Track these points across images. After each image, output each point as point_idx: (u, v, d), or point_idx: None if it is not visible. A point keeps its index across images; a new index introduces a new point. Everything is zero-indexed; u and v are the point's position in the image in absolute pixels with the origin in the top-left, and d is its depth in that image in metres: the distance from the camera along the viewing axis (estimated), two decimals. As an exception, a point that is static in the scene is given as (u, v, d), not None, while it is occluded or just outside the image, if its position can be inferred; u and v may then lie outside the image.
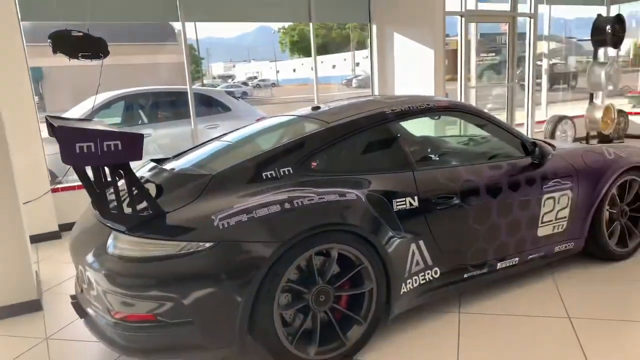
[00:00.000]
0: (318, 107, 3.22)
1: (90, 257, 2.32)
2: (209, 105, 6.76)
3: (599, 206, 3.34)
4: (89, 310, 2.46)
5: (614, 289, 3.12)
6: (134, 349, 2.25)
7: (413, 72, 6.60)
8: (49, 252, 4.54)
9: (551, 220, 3.19)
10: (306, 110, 3.24)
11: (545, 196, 3.12)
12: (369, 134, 2.77)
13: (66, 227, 4.77)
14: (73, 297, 2.70)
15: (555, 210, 3.19)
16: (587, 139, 8.39)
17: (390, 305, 2.59)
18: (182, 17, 5.55)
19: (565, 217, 3.25)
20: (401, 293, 2.62)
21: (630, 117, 9.20)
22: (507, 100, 7.40)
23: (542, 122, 8.28)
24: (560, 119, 8.21)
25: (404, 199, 2.63)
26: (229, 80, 46.02)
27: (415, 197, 2.66)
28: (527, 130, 7.81)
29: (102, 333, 2.36)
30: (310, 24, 6.39)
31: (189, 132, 6.16)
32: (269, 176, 2.46)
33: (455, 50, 7.44)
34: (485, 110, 3.84)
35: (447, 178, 2.83)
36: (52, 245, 4.74)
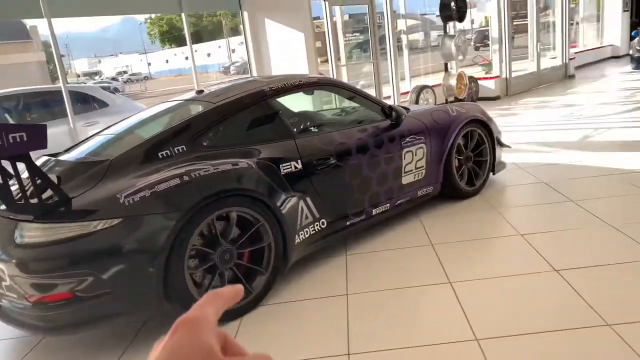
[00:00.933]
0: (202, 91, 3.50)
1: (-3, 251, 2.42)
2: (84, 102, 6.60)
3: (449, 154, 4.04)
4: (2, 302, 2.55)
5: (465, 219, 3.84)
6: (55, 327, 2.42)
7: (287, 55, 7.03)
8: None
9: (412, 170, 3.82)
10: (191, 94, 3.51)
11: (405, 150, 3.73)
12: (252, 110, 3.14)
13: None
14: (-19, 294, 2.75)
15: (414, 161, 3.82)
16: (446, 104, 9.50)
17: (287, 255, 3.01)
18: (46, 14, 5.40)
19: (423, 167, 3.90)
20: (295, 243, 3.05)
21: (480, 82, 10.54)
22: (373, 75, 8.12)
23: (407, 92, 9.21)
24: (422, 88, 9.19)
25: (289, 163, 3.04)
26: (96, 77, 43.15)
27: (299, 161, 3.09)
28: (394, 101, 8.65)
29: (20, 321, 2.48)
30: (183, 14, 6.51)
31: (65, 132, 6.01)
32: (165, 155, 2.73)
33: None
34: (349, 83, 4.36)
35: (324, 142, 3.29)
36: None
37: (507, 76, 10.68)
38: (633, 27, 15.99)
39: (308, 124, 3.91)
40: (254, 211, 2.78)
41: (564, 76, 12.44)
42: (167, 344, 0.36)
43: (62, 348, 2.73)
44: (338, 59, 7.97)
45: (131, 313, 2.48)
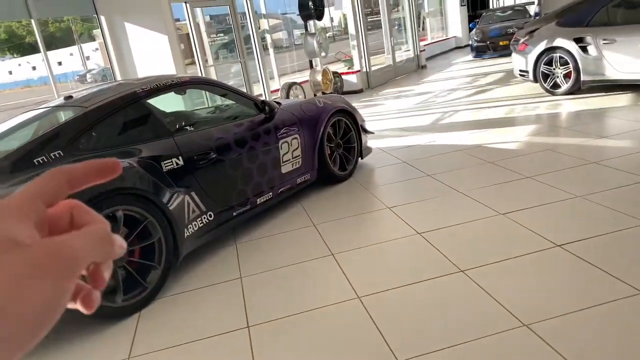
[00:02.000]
0: (71, 97, 3.42)
1: None
2: None
3: (321, 143, 4.39)
4: None
5: (341, 200, 4.23)
6: None
7: (152, 58, 6.92)
8: None
9: (289, 159, 4.10)
10: (59, 100, 3.42)
11: (281, 141, 3.99)
12: (127, 112, 3.17)
13: None
14: None
15: (290, 151, 4.10)
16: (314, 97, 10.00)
17: (178, 249, 3.10)
18: None
19: (299, 156, 4.20)
20: (185, 237, 3.15)
21: (344, 77, 11.24)
22: (242, 74, 8.30)
23: (278, 90, 9.53)
24: (291, 85, 9.57)
25: (170, 160, 3.13)
26: None
27: (180, 157, 3.20)
28: (265, 98, 8.90)
29: None
30: (32, 20, 6.10)
31: None
32: (41, 161, 2.68)
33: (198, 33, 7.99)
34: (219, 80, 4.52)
35: (203, 138, 3.43)
36: None
37: (367, 70, 11.52)
38: (471, 19, 18.14)
39: (184, 122, 3.99)
40: (140, 208, 2.84)
41: (417, 67, 13.73)
42: None
43: None
44: (205, 60, 8.01)
45: None
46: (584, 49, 6.42)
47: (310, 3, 9.58)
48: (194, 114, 4.33)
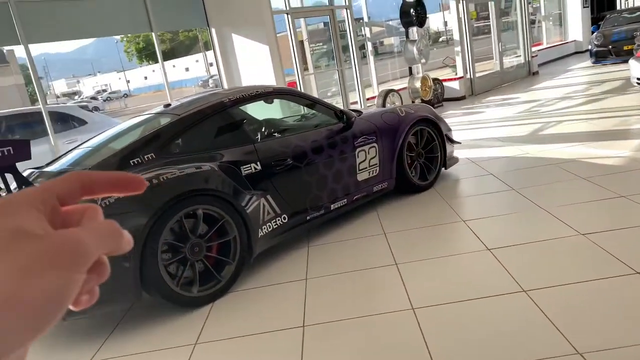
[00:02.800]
0: (169, 105, 3.85)
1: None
2: (64, 121, 6.89)
3: (400, 152, 4.42)
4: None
5: (416, 209, 4.23)
6: None
7: (255, 67, 7.40)
8: None
9: (366, 168, 4.20)
10: (159, 108, 3.86)
11: (358, 149, 4.11)
12: (214, 119, 3.50)
13: None
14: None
15: (367, 159, 4.20)
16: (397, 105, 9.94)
17: (252, 248, 3.35)
18: (23, 40, 5.69)
19: (376, 164, 4.28)
20: (259, 237, 3.40)
21: (446, 84, 11.03)
22: (339, 82, 8.53)
23: (374, 97, 9.63)
24: (388, 92, 9.61)
25: (249, 165, 3.40)
26: (76, 97, 43.11)
27: (258, 163, 3.45)
28: (360, 105, 9.06)
29: None
30: (152, 33, 6.85)
31: (47, 150, 6.29)
32: (136, 162, 3.07)
33: (300, 42, 8.40)
34: (303, 90, 4.74)
35: (281, 145, 3.66)
36: None
37: (471, 76, 11.18)
38: (593, 22, 16.74)
39: (269, 129, 4.28)
40: (218, 208, 3.12)
41: (528, 73, 13.01)
42: None
43: (46, 336, 3.03)
44: (305, 68, 8.37)
45: (113, 301, 2.80)
46: None
47: (412, 10, 9.55)
48: (282, 122, 4.60)
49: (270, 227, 3.49)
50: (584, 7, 17.07)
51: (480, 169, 5.11)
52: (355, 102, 9.06)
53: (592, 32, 14.30)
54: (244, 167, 3.37)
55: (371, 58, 10.30)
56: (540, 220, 3.55)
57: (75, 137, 6.80)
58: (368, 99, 9.43)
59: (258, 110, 4.66)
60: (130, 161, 3.06)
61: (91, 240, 0.32)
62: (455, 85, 10.98)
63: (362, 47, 10.79)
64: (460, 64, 11.02)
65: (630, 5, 16.36)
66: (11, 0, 5.54)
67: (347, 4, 8.48)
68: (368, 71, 10.26)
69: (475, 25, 14.43)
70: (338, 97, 8.79)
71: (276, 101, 4.37)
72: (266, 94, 3.91)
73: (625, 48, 11.47)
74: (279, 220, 3.55)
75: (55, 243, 0.30)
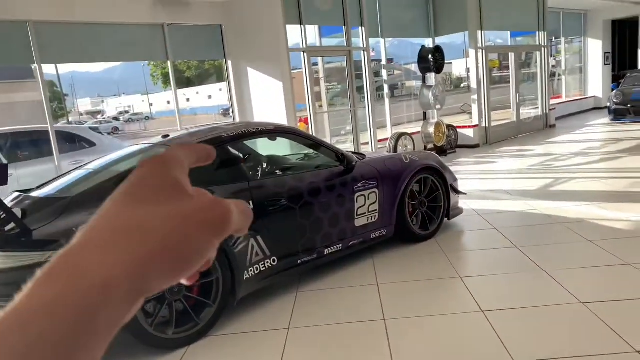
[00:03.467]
0: (167, 135, 3.80)
1: (-38, 277, 2.65)
2: (73, 142, 6.93)
3: (402, 199, 4.30)
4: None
5: (414, 261, 4.07)
6: None
7: (267, 101, 7.42)
8: None
9: (365, 213, 4.07)
10: (157, 138, 3.81)
11: (357, 194, 4.00)
12: (208, 155, 3.43)
13: None
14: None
15: (366, 204, 4.08)
16: (400, 152, 9.86)
17: (236, 290, 3.22)
18: (37, 60, 5.79)
19: (376, 210, 4.15)
20: (244, 279, 3.27)
21: (460, 131, 10.95)
22: (351, 122, 8.50)
23: (386, 139, 9.57)
24: (401, 135, 9.56)
25: (240, 204, 3.30)
26: (99, 116, 44.00)
27: (250, 202, 3.35)
28: (371, 147, 8.99)
29: None
30: (169, 62, 6.94)
31: (52, 170, 6.30)
32: (123, 194, 2.99)
33: (315, 80, 8.44)
34: (305, 131, 4.69)
35: (277, 185, 3.57)
36: None
37: (487, 125, 11.09)
38: (614, 80, 16.67)
39: (268, 167, 4.21)
40: (203, 247, 3.01)
41: (545, 126, 12.89)
42: (133, 174, 0.34)
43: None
44: (320, 105, 8.37)
45: None
46: None
47: (430, 56, 9.58)
48: (284, 160, 4.52)
49: (257, 270, 3.36)
50: (605, 65, 17.08)
51: (485, 222, 4.95)
52: (367, 143, 9.00)
53: (612, 90, 14.22)
54: (235, 205, 3.28)
55: (387, 100, 10.30)
56: (540, 283, 3.37)
57: (82, 158, 6.82)
58: (380, 141, 9.37)
59: (263, 146, 4.62)
60: (117, 192, 2.98)
61: (236, 213, 0.32)
62: (469, 132, 10.90)
63: (379, 88, 10.83)
64: (476, 112, 10.95)
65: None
66: (30, 21, 5.65)
67: (364, 46, 8.53)
68: (383, 113, 10.25)
69: (494, 74, 14.48)
70: (351, 137, 8.75)
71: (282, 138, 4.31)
72: (267, 132, 3.85)
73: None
74: (267, 262, 3.43)
75: (207, 206, 0.31)
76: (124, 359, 2.88)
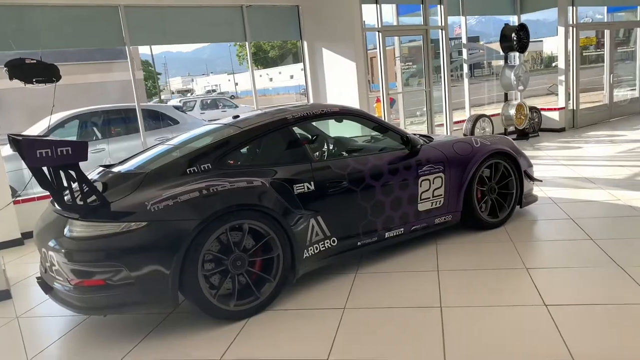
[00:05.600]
0: (238, 116, 3.95)
1: (52, 242, 2.97)
2: (158, 119, 7.39)
3: (469, 185, 4.18)
4: (53, 285, 3.10)
5: (479, 249, 3.96)
6: (89, 307, 2.92)
7: (340, 82, 7.43)
8: (14, 256, 5.08)
9: (429, 198, 4.01)
10: (228, 119, 3.98)
11: (421, 178, 3.94)
12: (274, 136, 3.54)
13: (28, 235, 5.31)
14: (38, 277, 3.34)
15: (431, 189, 4.01)
16: (505, 134, 9.42)
17: (295, 268, 3.33)
18: (127, 42, 6.20)
19: (441, 195, 4.08)
20: (304, 257, 3.37)
21: (545, 113, 10.33)
22: (426, 103, 8.30)
23: (463, 121, 9.26)
24: (479, 117, 9.21)
25: (302, 184, 3.39)
26: (188, 94, 46.19)
27: (312, 183, 3.42)
28: (447, 129, 8.74)
29: (64, 300, 3.01)
30: (247, 43, 7.13)
31: (138, 145, 6.77)
32: (192, 171, 3.18)
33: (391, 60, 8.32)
34: (369, 112, 4.66)
35: (339, 167, 3.61)
36: (16, 251, 5.28)
37: (574, 107, 10.37)
38: None
39: (333, 148, 4.25)
40: (264, 224, 3.13)
41: (642, 110, 11.82)
42: None
43: (81, 331, 3.22)
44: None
45: (150, 304, 2.91)
46: None
47: (513, 34, 9.08)
48: (349, 142, 4.54)
49: (317, 249, 3.45)
50: None
51: (561, 212, 4.69)
52: (442, 125, 8.77)
53: None
54: (297, 185, 3.36)
55: (466, 80, 9.92)
56: (612, 280, 3.17)
57: (166, 135, 7.26)
58: (456, 123, 9.09)
59: (331, 127, 4.67)
60: (187, 170, 3.17)
61: None
62: (555, 115, 10.26)
63: (458, 68, 10.45)
64: (562, 94, 10.26)
65: None
66: (121, 4, 6.04)
67: (442, 24, 8.24)
68: (461, 93, 9.89)
69: (588, 53, 13.42)
70: (423, 118, 8.57)
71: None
72: (331, 114, 3.89)
73: None
74: (327, 242, 3.50)
75: None
76: (187, 328, 3.10)
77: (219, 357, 2.72)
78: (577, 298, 2.98)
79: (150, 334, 3.07)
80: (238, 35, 7.12)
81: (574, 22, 10.22)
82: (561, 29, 10.01)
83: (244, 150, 3.47)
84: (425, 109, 8.73)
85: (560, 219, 4.51)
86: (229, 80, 55.48)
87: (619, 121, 10.68)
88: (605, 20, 12.01)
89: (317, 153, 4.21)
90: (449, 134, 8.65)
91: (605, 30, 11.14)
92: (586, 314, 2.79)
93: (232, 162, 3.38)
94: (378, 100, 8.70)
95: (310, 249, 3.41)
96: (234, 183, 3.10)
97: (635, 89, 11.87)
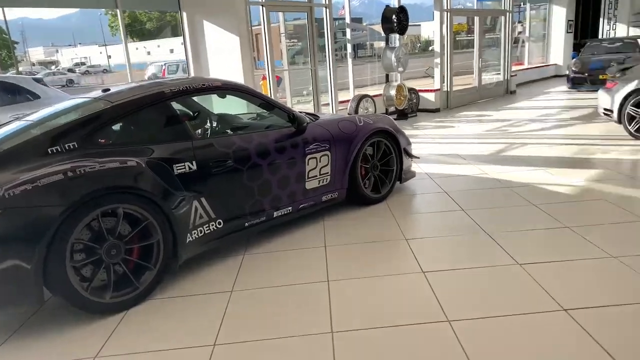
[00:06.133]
0: (108, 89, 3.60)
1: None
2: (14, 93, 6.54)
3: (354, 162, 4.26)
4: None
5: (364, 223, 4.08)
6: None
7: (224, 58, 7.16)
8: None
9: (316, 175, 4.02)
10: (97, 92, 3.61)
11: (308, 156, 3.93)
12: (149, 111, 3.27)
13: None
14: None
15: (318, 167, 4.02)
16: (386, 114, 9.81)
17: (178, 253, 3.14)
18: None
19: (328, 173, 4.11)
20: (187, 242, 3.18)
21: (422, 94, 10.93)
22: (312, 82, 8.33)
23: (348, 101, 9.47)
24: (362, 97, 9.47)
25: (183, 164, 3.18)
26: (52, 67, 41.87)
27: (194, 162, 3.23)
28: (332, 109, 8.88)
29: None
30: (118, 10, 6.55)
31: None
32: (55, 151, 2.83)
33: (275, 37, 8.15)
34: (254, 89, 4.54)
35: (223, 145, 3.45)
36: None
37: (448, 89, 11.12)
38: (575, 48, 16.92)
39: (218, 125, 4.07)
40: (142, 208, 2.90)
41: (505, 92, 13.04)
42: None
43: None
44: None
45: (10, 303, 2.55)
46: (679, 94, 5.71)
47: (394, 17, 9.41)
48: (234, 119, 4.38)
49: (201, 232, 3.29)
50: (567, 32, 17.27)
51: (436, 186, 5.00)
52: (328, 104, 8.88)
53: (572, 58, 14.43)
54: (177, 165, 3.16)
55: (350, 60, 10.13)
56: (481, 246, 3.44)
57: (24, 111, 6.45)
58: (342, 102, 9.26)
59: (215, 104, 4.46)
60: (48, 149, 2.82)
61: None
62: (431, 97, 10.91)
63: (342, 48, 10.62)
64: (438, 76, 10.93)
65: (612, 35, 16.51)
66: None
67: (326, 2, 8.28)
68: (345, 74, 10.09)
69: (461, 38, 14.43)
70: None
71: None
72: (213, 89, 3.69)
73: (600, 77, 11.50)
74: (212, 225, 3.35)
75: None
76: (53, 328, 2.80)
77: (93, 354, 2.48)
78: (450, 264, 3.18)
79: (9, 339, 2.72)
80: (107, 1, 6.51)
81: (448, 7, 10.87)
82: (437, 14, 10.60)
83: (115, 127, 3.16)
84: (311, 87, 8.78)
85: (436, 193, 4.80)
86: (101, 53, 51.19)
87: (487, 102, 11.67)
88: (475, 8, 12.96)
89: (200, 130, 4.01)
90: (334, 113, 8.79)
91: (475, 17, 12.03)
92: (458, 277, 3.00)
93: (102, 140, 3.07)
94: (264, 78, 8.56)
95: (194, 233, 3.24)
96: (105, 164, 2.81)
97: (500, 73, 13.03)
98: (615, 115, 6.45)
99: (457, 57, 13.50)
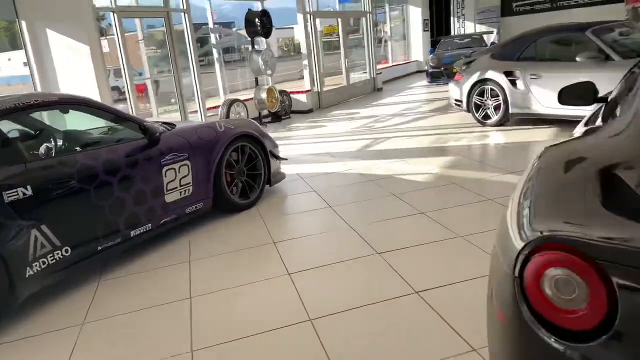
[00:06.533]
0: None
1: None
2: None
3: (218, 170, 4.14)
4: None
5: (232, 231, 3.99)
6: None
7: (75, 68, 6.61)
8: None
9: (176, 187, 3.84)
10: None
11: (165, 168, 3.74)
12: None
13: None
14: None
15: (177, 178, 3.85)
16: (260, 117, 9.78)
17: (15, 292, 2.79)
18: None
19: (189, 183, 3.94)
20: (27, 276, 2.85)
21: (293, 96, 11.06)
22: (175, 90, 8.03)
23: (218, 107, 9.27)
24: (233, 101, 9.33)
25: (14, 190, 2.84)
26: None
27: (29, 187, 2.90)
28: (201, 116, 8.65)
29: None
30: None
31: None
32: None
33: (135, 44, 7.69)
34: (99, 101, 4.26)
35: (65, 165, 3.14)
36: None
37: (319, 90, 11.38)
38: (432, 45, 18.30)
39: (64, 144, 3.72)
40: (-38, 245, 2.54)
41: (373, 89, 13.68)
42: None
43: None
44: (139, 73, 7.73)
45: None
46: (513, 83, 6.40)
47: (257, 20, 9.40)
48: (84, 135, 4.03)
49: (44, 264, 2.96)
50: (424, 31, 18.63)
51: (306, 186, 5.06)
52: (195, 112, 8.62)
53: (429, 54, 15.59)
54: (8, 192, 2.81)
55: (217, 66, 9.94)
56: (345, 240, 3.53)
57: None
58: (210, 109, 9.04)
59: (68, 121, 4.08)
60: None
61: None
62: (303, 98, 11.08)
63: (208, 53, 10.38)
64: (307, 78, 11.14)
65: (462, 32, 18.14)
66: None
67: (184, 7, 8.02)
68: (214, 80, 9.88)
69: (330, 39, 14.87)
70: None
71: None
72: (46, 105, 3.34)
73: (454, 70, 12.59)
74: (58, 254, 3.03)
75: None
76: None
77: None
78: (315, 262, 3.22)
79: None
80: None
81: (310, 10, 11.12)
82: (300, 16, 10.78)
83: None
84: (187, 94, 8.47)
85: (305, 192, 4.86)
86: None
87: (357, 100, 12.13)
88: (337, 10, 13.43)
89: (43, 150, 3.64)
90: (203, 119, 8.56)
91: (338, 19, 12.45)
92: (321, 275, 3.04)
93: None
94: (141, 89, 8.10)
95: (36, 265, 2.91)
96: None
97: (366, 72, 13.64)
98: (464, 105, 7.05)
99: (330, 58, 13.94)
